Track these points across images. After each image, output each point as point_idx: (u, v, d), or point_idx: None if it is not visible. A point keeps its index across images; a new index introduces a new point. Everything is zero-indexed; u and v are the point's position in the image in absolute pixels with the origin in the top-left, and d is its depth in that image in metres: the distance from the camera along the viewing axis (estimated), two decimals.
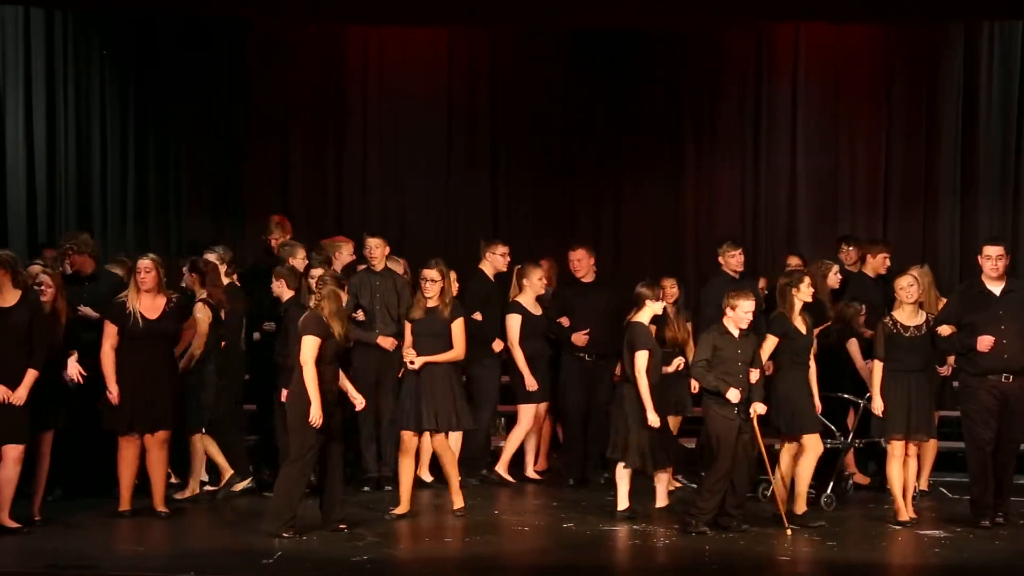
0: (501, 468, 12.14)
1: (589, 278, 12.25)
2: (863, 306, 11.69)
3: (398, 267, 11.97)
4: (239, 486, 11.28)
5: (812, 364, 10.49)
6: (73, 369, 10.22)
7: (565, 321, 12.13)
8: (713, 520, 10.05)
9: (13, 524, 9.77)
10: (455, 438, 11.98)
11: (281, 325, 11.24)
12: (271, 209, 13.70)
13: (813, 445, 10.36)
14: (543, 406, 12.23)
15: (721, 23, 14.28)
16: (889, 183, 14.62)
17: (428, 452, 11.87)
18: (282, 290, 11.49)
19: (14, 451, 9.70)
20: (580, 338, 12.00)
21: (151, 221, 14.39)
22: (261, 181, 14.88)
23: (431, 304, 10.45)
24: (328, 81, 15.00)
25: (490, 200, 15.06)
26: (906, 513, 10.41)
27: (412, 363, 10.38)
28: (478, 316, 12.06)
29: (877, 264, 12.33)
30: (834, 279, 11.97)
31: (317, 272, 11.36)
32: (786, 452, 10.46)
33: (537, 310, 12.14)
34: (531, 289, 12.10)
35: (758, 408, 10.02)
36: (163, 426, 10.39)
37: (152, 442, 10.38)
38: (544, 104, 14.88)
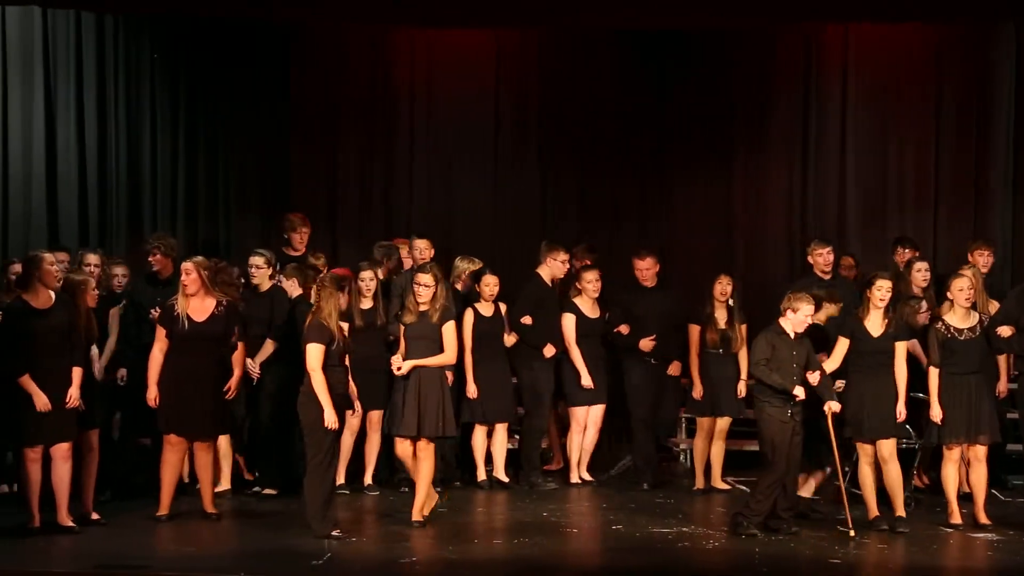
0: (582, 471, 12.15)
1: (651, 283, 12.26)
2: (922, 303, 11.53)
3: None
4: (267, 491, 11.33)
5: (898, 369, 10.29)
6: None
7: (624, 329, 12.13)
8: (763, 522, 10.02)
9: (70, 523, 9.84)
10: (502, 440, 12.02)
11: (291, 323, 11.17)
12: (319, 210, 13.70)
13: (864, 453, 10.30)
14: (597, 408, 12.20)
15: (770, 24, 14.19)
16: (939, 184, 14.48)
17: (501, 454, 11.99)
18: (293, 288, 11.49)
19: (62, 449, 9.79)
20: (647, 344, 12.01)
21: (200, 223, 14.42)
22: (309, 183, 14.89)
23: (423, 308, 10.38)
24: (375, 82, 14.99)
25: (538, 201, 15.01)
26: (959, 516, 10.34)
27: (399, 369, 10.31)
28: (528, 320, 12.06)
29: (980, 262, 11.98)
30: (919, 277, 11.79)
31: (366, 275, 11.38)
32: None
33: (594, 312, 12.14)
34: (585, 291, 12.10)
35: (833, 407, 9.99)
36: (209, 431, 10.43)
37: (199, 445, 10.42)
38: (592, 105, 14.83)
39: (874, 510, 10.30)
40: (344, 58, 14.91)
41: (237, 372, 10.65)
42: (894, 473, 10.23)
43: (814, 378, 9.98)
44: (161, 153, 14.22)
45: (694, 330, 11.90)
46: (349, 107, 14.95)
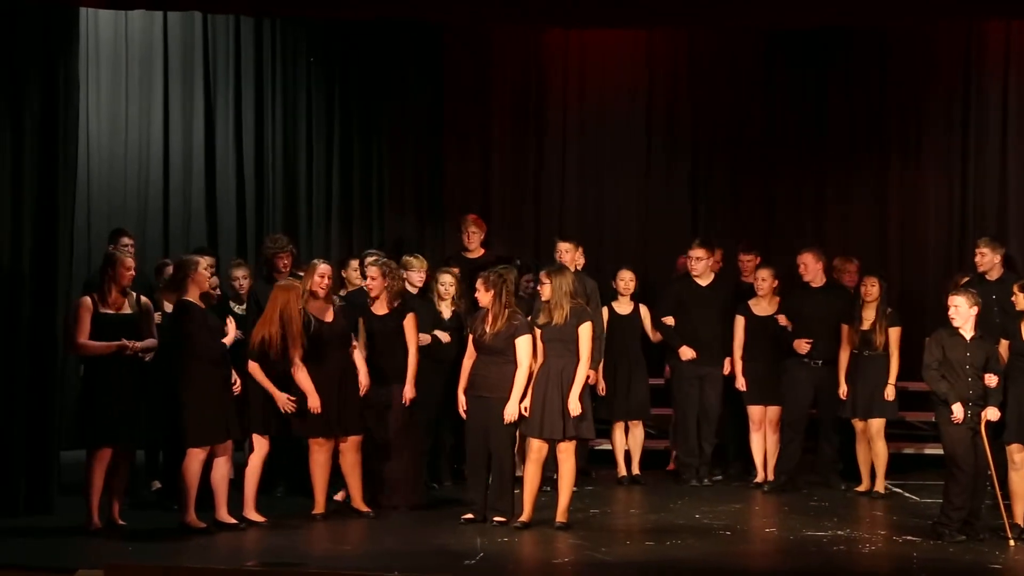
0: (768, 473, 12.04)
1: (818, 282, 12.07)
2: None
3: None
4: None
5: None
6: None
7: (782, 319, 11.96)
8: (932, 527, 9.86)
9: (230, 520, 10.02)
10: (637, 437, 12.04)
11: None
12: (471, 211, 13.77)
13: (1010, 456, 10.03)
14: (771, 410, 12.03)
15: (928, 21, 13.92)
16: None
17: (636, 451, 12.19)
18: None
19: (224, 448, 10.00)
20: (802, 346, 11.83)
21: (355, 222, 14.57)
22: (461, 181, 15.01)
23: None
24: (527, 82, 15.07)
25: (689, 201, 14.96)
26: None
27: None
28: (669, 320, 12.11)
29: None
30: None
31: (446, 279, 11.50)
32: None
33: (767, 311, 11.99)
34: (759, 290, 11.99)
35: (989, 414, 9.73)
36: (356, 429, 10.54)
37: (346, 445, 10.52)
38: (744, 105, 14.75)
39: (1016, 517, 9.98)
40: (498, 59, 15.01)
41: (364, 370, 10.69)
42: None
43: (991, 381, 9.73)
44: (316, 156, 14.40)
45: (845, 330, 11.76)
46: (502, 108, 15.04)
